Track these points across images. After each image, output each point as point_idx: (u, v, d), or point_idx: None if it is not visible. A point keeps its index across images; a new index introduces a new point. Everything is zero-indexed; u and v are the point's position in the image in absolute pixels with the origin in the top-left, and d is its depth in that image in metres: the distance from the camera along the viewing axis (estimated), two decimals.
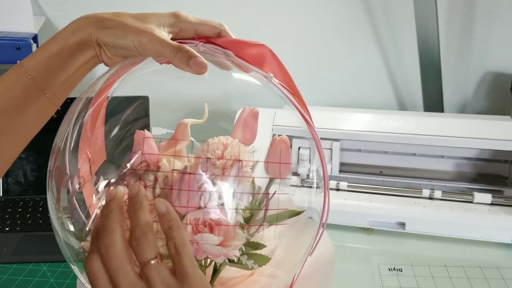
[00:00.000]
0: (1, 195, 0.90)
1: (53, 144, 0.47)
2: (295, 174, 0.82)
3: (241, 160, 0.42)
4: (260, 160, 0.46)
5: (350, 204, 0.79)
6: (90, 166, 0.46)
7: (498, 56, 1.01)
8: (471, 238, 0.76)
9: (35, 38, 0.96)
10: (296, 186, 0.53)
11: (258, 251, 0.44)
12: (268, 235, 0.46)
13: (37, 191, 0.90)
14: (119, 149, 0.48)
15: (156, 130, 0.56)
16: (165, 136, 0.49)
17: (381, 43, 1.03)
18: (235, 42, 0.47)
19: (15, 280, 0.69)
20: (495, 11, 0.97)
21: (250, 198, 0.44)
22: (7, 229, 0.80)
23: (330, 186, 0.83)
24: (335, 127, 0.85)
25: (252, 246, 0.44)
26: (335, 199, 0.80)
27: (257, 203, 0.44)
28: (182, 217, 0.39)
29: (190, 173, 0.40)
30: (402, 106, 1.09)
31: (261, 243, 0.44)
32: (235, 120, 0.49)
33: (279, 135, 0.47)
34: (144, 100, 0.52)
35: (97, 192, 0.42)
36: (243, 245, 0.43)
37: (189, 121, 0.47)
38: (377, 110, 0.95)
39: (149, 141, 0.44)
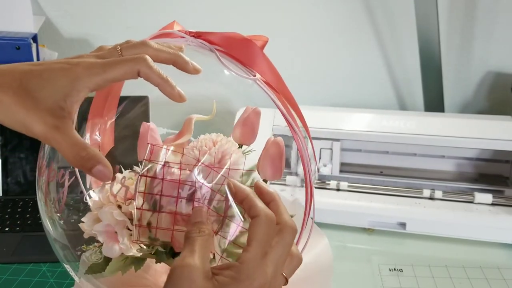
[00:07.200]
0: (1, 195, 0.90)
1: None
2: (295, 174, 0.81)
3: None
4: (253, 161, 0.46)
5: (350, 204, 0.79)
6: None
7: (499, 56, 1.00)
8: (472, 239, 0.76)
9: (35, 38, 0.96)
10: (296, 186, 0.52)
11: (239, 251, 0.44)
12: None
13: None
14: (119, 149, 0.48)
15: None
16: (165, 136, 0.49)
17: (381, 42, 1.03)
18: (226, 38, 0.45)
19: (14, 280, 0.69)
20: (495, 11, 0.97)
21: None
22: (7, 229, 0.80)
23: (330, 186, 0.83)
24: (335, 127, 0.85)
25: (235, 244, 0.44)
26: (336, 199, 0.80)
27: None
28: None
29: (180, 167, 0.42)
30: (403, 106, 1.09)
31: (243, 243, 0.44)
32: (236, 119, 0.48)
33: (275, 136, 0.47)
34: (144, 100, 0.52)
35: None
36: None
37: (195, 116, 0.48)
38: (378, 110, 0.95)
39: (153, 134, 0.46)
